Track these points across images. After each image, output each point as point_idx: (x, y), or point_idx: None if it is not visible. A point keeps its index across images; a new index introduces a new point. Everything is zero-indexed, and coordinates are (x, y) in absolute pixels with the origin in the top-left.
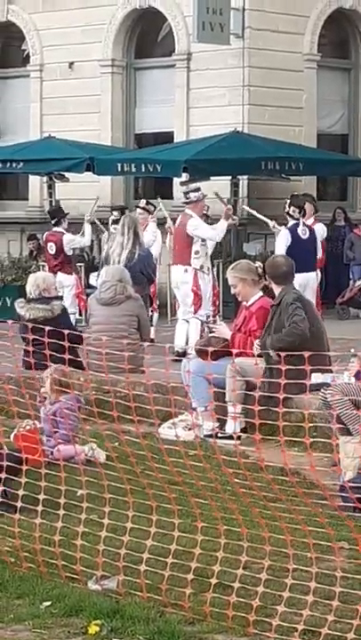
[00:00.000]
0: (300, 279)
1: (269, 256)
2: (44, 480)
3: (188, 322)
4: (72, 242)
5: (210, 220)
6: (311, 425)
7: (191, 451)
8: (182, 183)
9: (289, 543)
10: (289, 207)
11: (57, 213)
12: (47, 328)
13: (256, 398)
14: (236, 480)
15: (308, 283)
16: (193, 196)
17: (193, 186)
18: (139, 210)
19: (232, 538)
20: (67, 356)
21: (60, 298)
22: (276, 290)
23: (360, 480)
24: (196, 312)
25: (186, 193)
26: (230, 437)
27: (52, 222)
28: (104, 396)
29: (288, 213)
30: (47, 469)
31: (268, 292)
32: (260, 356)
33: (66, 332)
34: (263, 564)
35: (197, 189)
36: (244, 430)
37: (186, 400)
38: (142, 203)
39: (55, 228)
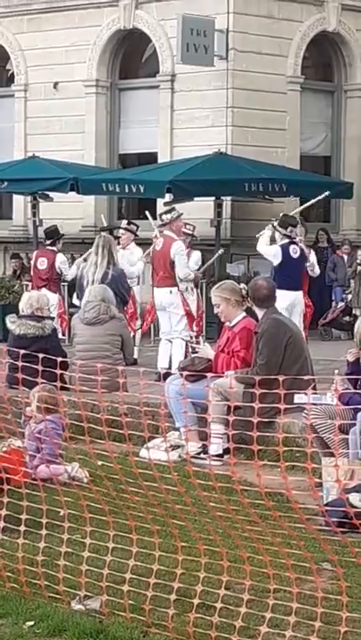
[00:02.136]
0: (290, 298)
1: (252, 277)
2: (26, 500)
3: (170, 342)
4: (64, 264)
5: (196, 239)
6: (295, 448)
7: (169, 474)
8: (166, 204)
9: (268, 563)
10: (285, 228)
11: (54, 234)
12: (40, 355)
13: (234, 421)
14: (212, 503)
15: (296, 302)
16: (165, 217)
17: (166, 208)
18: (121, 230)
19: (213, 558)
20: (58, 383)
21: (52, 318)
22: (259, 313)
23: (339, 503)
24: (191, 328)
25: (160, 215)
26: (219, 457)
27: (48, 242)
28: (90, 415)
29: (285, 235)
30: (29, 489)
31: (252, 314)
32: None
33: (58, 359)
34: (245, 584)
35: (170, 210)
36: (226, 452)
37: (162, 422)
38: (124, 223)
39: (49, 247)
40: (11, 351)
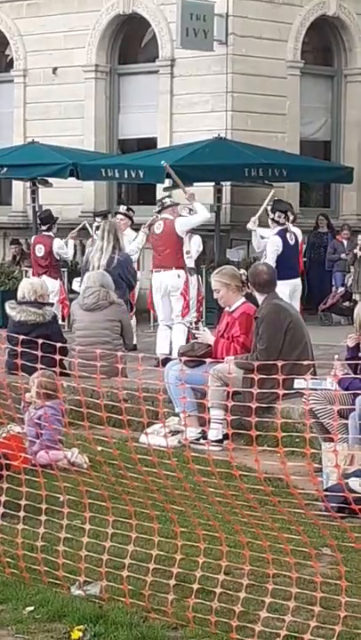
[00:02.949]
0: (290, 286)
1: (252, 262)
2: (26, 485)
3: (170, 328)
4: (62, 248)
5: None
6: (295, 434)
7: (168, 459)
8: (165, 189)
9: (267, 548)
10: (273, 213)
11: (49, 219)
12: (39, 341)
13: (233, 407)
14: (211, 489)
15: (296, 289)
16: (169, 200)
17: (165, 193)
18: (119, 216)
19: (212, 543)
20: (58, 368)
21: (52, 304)
22: (259, 298)
23: (338, 489)
24: (183, 317)
25: (160, 200)
26: (218, 442)
27: (44, 227)
28: (90, 400)
29: (273, 219)
30: (28, 475)
31: (252, 300)
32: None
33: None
34: (244, 569)
35: (170, 195)
36: (226, 437)
37: (159, 408)
38: (122, 208)
39: (45, 233)
40: (10, 337)
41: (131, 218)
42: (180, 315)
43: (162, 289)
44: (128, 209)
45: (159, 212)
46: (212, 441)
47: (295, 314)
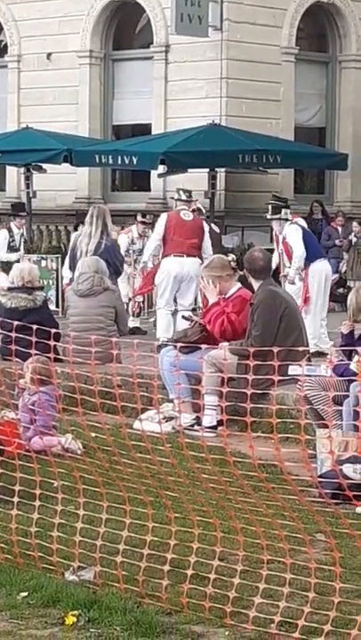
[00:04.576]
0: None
1: (247, 249)
2: (20, 471)
3: (174, 313)
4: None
5: (202, 215)
6: (289, 420)
7: (163, 444)
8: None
9: (261, 534)
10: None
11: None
12: (33, 327)
13: (228, 393)
14: (205, 475)
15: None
16: (189, 196)
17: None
18: (141, 226)
19: (206, 529)
20: (52, 354)
21: (42, 288)
22: (255, 284)
23: (332, 475)
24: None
25: (188, 192)
26: (212, 428)
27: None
28: (84, 386)
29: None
30: (22, 461)
31: (248, 285)
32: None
33: (52, 330)
34: (238, 555)
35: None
36: (220, 423)
37: (153, 394)
38: (140, 216)
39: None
40: (3, 323)
41: (149, 224)
42: (192, 302)
43: (182, 274)
44: (143, 216)
45: (187, 202)
46: (207, 427)
47: (290, 300)
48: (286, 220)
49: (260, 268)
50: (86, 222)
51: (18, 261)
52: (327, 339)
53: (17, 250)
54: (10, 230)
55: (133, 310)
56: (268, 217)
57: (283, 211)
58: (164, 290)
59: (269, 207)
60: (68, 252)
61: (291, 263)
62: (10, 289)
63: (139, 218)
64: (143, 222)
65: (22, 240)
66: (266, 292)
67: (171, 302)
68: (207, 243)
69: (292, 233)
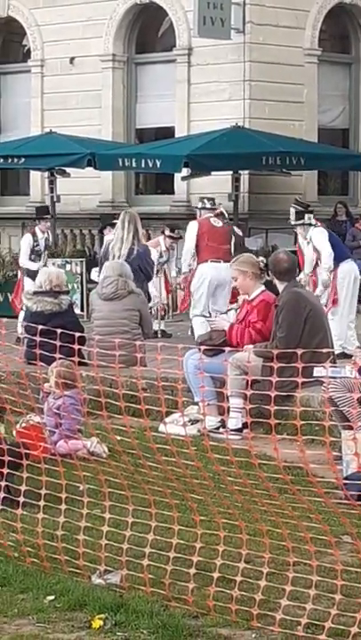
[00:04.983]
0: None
1: (271, 251)
2: (45, 475)
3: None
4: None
5: (225, 219)
6: (314, 422)
7: (188, 447)
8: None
9: (287, 536)
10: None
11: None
12: (58, 331)
13: (253, 395)
14: (230, 477)
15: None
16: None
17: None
18: (168, 241)
19: (232, 531)
20: (75, 358)
21: (68, 292)
22: (280, 286)
23: (358, 477)
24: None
25: (210, 200)
26: (237, 431)
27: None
28: (108, 390)
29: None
30: (48, 464)
31: (274, 288)
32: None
33: (77, 334)
34: (264, 558)
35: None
36: (245, 426)
37: (178, 397)
38: (167, 231)
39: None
40: (28, 327)
41: (177, 238)
42: (226, 305)
43: (219, 279)
44: (172, 230)
45: (210, 209)
46: (232, 430)
47: (315, 302)
48: (310, 224)
49: (285, 270)
50: (117, 227)
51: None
52: (356, 341)
53: (40, 254)
54: (34, 235)
55: (160, 313)
56: (293, 222)
57: (306, 216)
58: (201, 296)
59: (292, 212)
60: (100, 257)
61: (306, 269)
62: (36, 293)
63: (166, 232)
64: (171, 237)
65: (46, 245)
66: (291, 294)
67: (207, 309)
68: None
69: (317, 235)
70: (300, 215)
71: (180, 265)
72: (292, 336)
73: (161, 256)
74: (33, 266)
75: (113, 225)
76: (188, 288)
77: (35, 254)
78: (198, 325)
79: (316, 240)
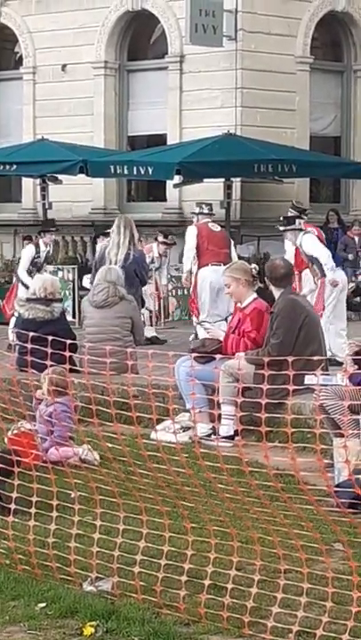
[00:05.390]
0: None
1: (263, 258)
2: (37, 482)
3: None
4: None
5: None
6: (306, 430)
7: (180, 454)
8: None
9: (278, 544)
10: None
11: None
12: (49, 338)
13: (244, 403)
14: (221, 485)
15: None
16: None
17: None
18: (162, 247)
19: (223, 539)
20: (67, 365)
21: (60, 300)
22: (276, 293)
23: (349, 484)
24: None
25: (207, 205)
26: (228, 438)
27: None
28: (100, 397)
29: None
30: (39, 472)
31: (267, 295)
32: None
33: (68, 341)
34: (256, 565)
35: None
36: (237, 433)
37: (170, 404)
38: (161, 237)
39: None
40: (20, 334)
41: (170, 245)
42: (224, 312)
43: (220, 282)
44: (165, 236)
45: (207, 214)
46: (223, 437)
47: (310, 310)
48: (300, 230)
49: (281, 277)
50: (113, 232)
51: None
52: (347, 349)
53: (39, 269)
54: (37, 246)
55: (151, 319)
56: (282, 229)
57: (297, 221)
58: (204, 302)
59: (283, 218)
60: (95, 263)
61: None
62: (28, 300)
63: (160, 238)
64: (165, 243)
65: (46, 257)
66: (286, 301)
67: (210, 314)
68: (233, 253)
69: (308, 240)
70: (290, 221)
71: (172, 272)
72: (287, 343)
73: (152, 262)
74: (28, 280)
75: (106, 234)
76: (194, 294)
77: (33, 266)
78: (203, 332)
79: (308, 245)
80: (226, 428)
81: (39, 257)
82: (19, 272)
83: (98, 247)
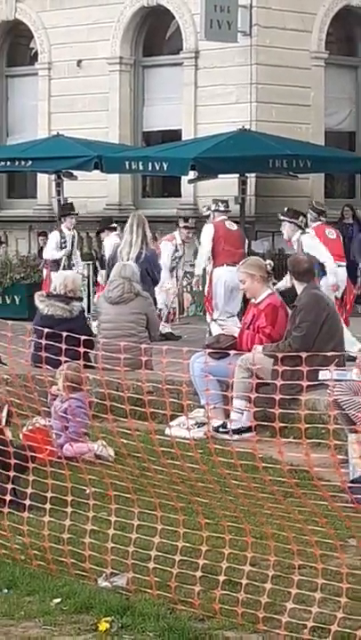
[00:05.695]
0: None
1: (277, 254)
2: (51, 478)
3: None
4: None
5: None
6: (320, 425)
7: (194, 450)
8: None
9: (293, 540)
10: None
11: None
12: (65, 334)
13: (259, 398)
14: (235, 481)
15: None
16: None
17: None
18: (184, 231)
19: (238, 534)
20: (82, 361)
21: (81, 299)
22: (298, 287)
23: None
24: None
25: (223, 202)
26: (244, 431)
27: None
28: (114, 393)
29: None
30: (54, 467)
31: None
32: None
33: (81, 337)
34: (270, 561)
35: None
36: (249, 429)
37: (183, 400)
38: (182, 222)
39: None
40: (36, 329)
41: (192, 228)
42: (237, 310)
43: (234, 282)
44: (186, 220)
45: (223, 211)
46: (232, 430)
47: (332, 305)
48: (300, 227)
49: (304, 271)
50: (126, 231)
51: (64, 267)
52: (357, 343)
53: (70, 255)
54: (61, 232)
55: (168, 316)
56: (281, 217)
57: (300, 218)
58: (218, 301)
59: (309, 217)
60: (107, 260)
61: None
62: (49, 295)
63: (181, 223)
64: (186, 227)
65: (73, 242)
66: (310, 296)
67: (223, 312)
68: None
69: (309, 240)
70: (292, 214)
71: (187, 268)
72: (309, 336)
73: (177, 250)
74: (57, 254)
75: (111, 228)
76: (209, 292)
77: (64, 253)
78: (217, 329)
79: (308, 245)
80: (236, 422)
81: (65, 242)
82: (45, 255)
83: (105, 243)
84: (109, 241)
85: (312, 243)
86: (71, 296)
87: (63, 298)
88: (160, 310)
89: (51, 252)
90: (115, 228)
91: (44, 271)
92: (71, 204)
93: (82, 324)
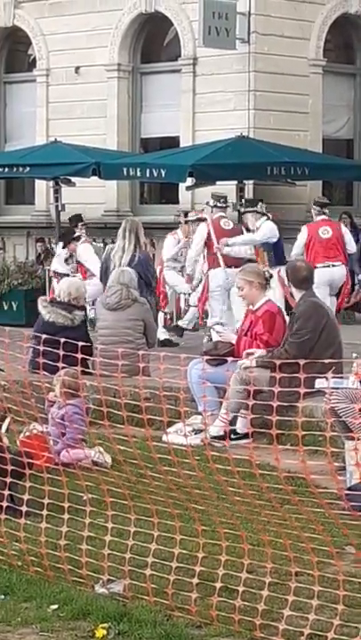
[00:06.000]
0: None
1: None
2: (48, 484)
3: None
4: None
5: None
6: (317, 432)
7: (191, 457)
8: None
9: (288, 547)
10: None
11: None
12: (63, 340)
13: (253, 406)
14: (231, 488)
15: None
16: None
17: (219, 193)
18: (185, 227)
19: (234, 541)
20: (79, 367)
21: (84, 308)
22: (297, 295)
23: (359, 488)
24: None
25: (221, 197)
26: (241, 437)
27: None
28: (111, 399)
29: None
30: (51, 474)
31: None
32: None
33: (80, 343)
34: (267, 568)
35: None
36: (246, 436)
37: (180, 407)
38: (183, 217)
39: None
40: (36, 336)
41: (203, 220)
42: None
43: (232, 284)
44: (186, 214)
45: (221, 207)
46: (213, 437)
47: (331, 313)
48: (263, 214)
49: (303, 278)
50: (119, 236)
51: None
52: None
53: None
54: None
55: (165, 322)
56: (242, 210)
57: (259, 204)
58: (216, 304)
59: (313, 212)
60: (100, 266)
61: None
62: (52, 302)
63: (182, 219)
64: (187, 222)
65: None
66: (309, 303)
67: (222, 316)
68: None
69: (267, 226)
70: (252, 203)
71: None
72: (305, 344)
73: (179, 242)
74: (62, 269)
75: (75, 239)
76: (203, 295)
77: (66, 263)
78: (216, 335)
79: (265, 230)
80: (217, 428)
81: (72, 258)
82: (53, 267)
83: (80, 251)
84: (84, 248)
85: (271, 228)
86: (74, 304)
87: (66, 305)
88: (188, 295)
89: (56, 265)
90: (79, 238)
91: (54, 281)
92: (79, 215)
93: (83, 333)
